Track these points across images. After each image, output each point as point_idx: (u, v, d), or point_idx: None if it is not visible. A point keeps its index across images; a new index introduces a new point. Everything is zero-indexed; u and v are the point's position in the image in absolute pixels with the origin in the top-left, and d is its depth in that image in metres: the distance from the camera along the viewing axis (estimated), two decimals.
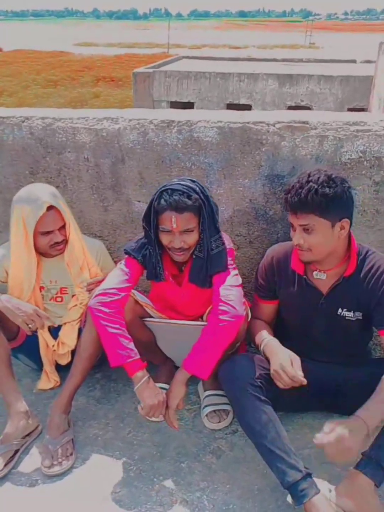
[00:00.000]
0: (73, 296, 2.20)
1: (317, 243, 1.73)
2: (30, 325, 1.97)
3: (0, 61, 32.22)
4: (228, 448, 1.99)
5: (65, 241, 2.13)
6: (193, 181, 1.86)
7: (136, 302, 2.08)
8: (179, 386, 1.84)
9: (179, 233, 1.83)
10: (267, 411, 1.72)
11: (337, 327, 1.89)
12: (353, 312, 1.86)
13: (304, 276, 1.88)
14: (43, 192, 2.04)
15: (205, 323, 1.99)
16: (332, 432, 1.57)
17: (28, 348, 2.21)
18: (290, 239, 2.01)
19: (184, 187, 1.80)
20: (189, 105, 11.53)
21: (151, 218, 1.85)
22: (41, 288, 2.20)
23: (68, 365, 2.12)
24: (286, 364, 1.74)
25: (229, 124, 2.14)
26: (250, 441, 1.97)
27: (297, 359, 1.78)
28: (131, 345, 1.85)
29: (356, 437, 1.56)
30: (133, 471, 1.89)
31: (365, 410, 1.61)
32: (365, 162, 2.09)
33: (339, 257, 1.82)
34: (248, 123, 2.14)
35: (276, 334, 1.94)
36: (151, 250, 1.94)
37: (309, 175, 1.69)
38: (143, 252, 1.96)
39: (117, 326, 1.84)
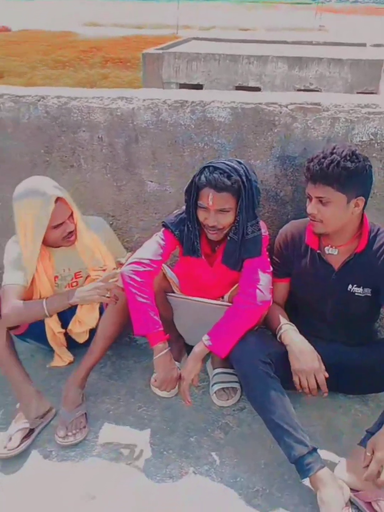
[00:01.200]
0: (87, 277, 2.22)
1: (330, 216, 1.76)
2: (107, 295, 1.94)
3: (8, 41, 31.97)
4: (236, 424, 2.04)
5: (74, 230, 2.11)
6: (240, 163, 1.85)
7: (164, 276, 2.13)
8: (196, 360, 1.89)
9: (215, 211, 1.84)
10: (276, 388, 1.76)
11: (346, 303, 1.93)
12: (363, 288, 1.89)
13: (318, 251, 1.92)
14: (46, 184, 2.01)
15: (227, 303, 2.03)
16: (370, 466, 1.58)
17: (34, 332, 2.22)
18: (302, 217, 2.04)
19: (227, 166, 1.80)
20: (198, 87, 11.44)
21: (192, 193, 1.88)
22: (56, 277, 2.19)
23: (85, 343, 2.16)
24: (319, 368, 1.79)
25: (242, 104, 2.15)
26: (257, 418, 2.02)
27: (320, 360, 1.82)
28: (157, 317, 1.90)
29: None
30: (143, 445, 1.95)
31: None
32: (375, 145, 2.10)
33: (350, 234, 1.86)
34: (260, 104, 2.14)
35: (294, 320, 1.98)
36: (189, 226, 1.96)
37: (334, 148, 1.71)
38: (180, 227, 1.99)
39: (146, 296, 1.89)
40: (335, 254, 1.90)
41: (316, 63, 11.40)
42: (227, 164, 1.81)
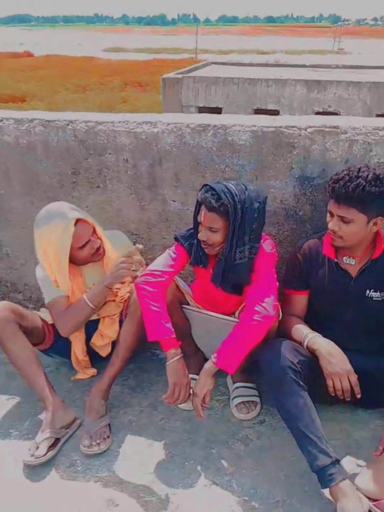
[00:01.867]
0: (116, 290, 2.29)
1: (351, 233, 1.87)
2: (134, 269, 2.03)
3: (31, 66, 32.93)
4: (255, 436, 2.09)
5: (101, 245, 2.20)
6: (245, 189, 1.93)
7: (178, 287, 2.21)
8: (206, 377, 1.94)
9: (205, 228, 1.96)
10: (304, 396, 1.80)
11: (365, 309, 2.00)
12: (380, 292, 1.98)
13: (336, 261, 2.01)
14: (63, 208, 2.11)
15: (236, 320, 2.10)
16: None
17: (60, 349, 2.32)
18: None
19: (221, 188, 1.89)
20: (217, 110, 11.64)
21: (196, 207, 2.00)
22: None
23: (108, 357, 2.24)
24: (351, 369, 1.83)
25: (262, 128, 2.24)
26: (277, 431, 2.09)
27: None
28: (169, 324, 1.98)
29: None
30: (165, 455, 2.00)
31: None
32: None
33: (367, 245, 1.97)
34: (280, 127, 2.23)
35: (311, 326, 2.03)
36: (196, 237, 2.05)
37: (359, 170, 1.81)
38: (190, 240, 2.09)
39: (158, 304, 1.98)
40: (353, 264, 2.00)
41: (335, 85, 11.53)
42: (222, 186, 1.90)
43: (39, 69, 30.74)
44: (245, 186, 1.95)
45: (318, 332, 2.00)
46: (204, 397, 1.94)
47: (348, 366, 1.84)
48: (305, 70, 14.76)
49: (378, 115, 10.69)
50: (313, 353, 1.92)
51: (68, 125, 2.44)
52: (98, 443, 1.99)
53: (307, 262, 2.07)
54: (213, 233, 1.95)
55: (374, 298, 1.99)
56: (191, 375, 2.27)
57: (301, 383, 1.82)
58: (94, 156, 2.45)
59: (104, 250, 2.23)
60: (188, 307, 2.24)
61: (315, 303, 2.11)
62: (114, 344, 2.28)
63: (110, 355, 2.25)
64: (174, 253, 2.10)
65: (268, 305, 1.94)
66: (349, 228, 1.86)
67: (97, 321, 2.32)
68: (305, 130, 2.22)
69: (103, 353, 2.31)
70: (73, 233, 2.08)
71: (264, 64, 17.42)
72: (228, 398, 2.28)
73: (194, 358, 2.38)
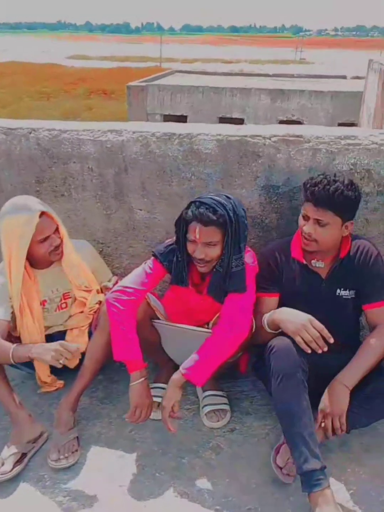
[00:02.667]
0: (75, 299, 2.27)
1: (325, 237, 1.92)
2: (60, 361, 1.91)
3: None
4: (226, 445, 2.08)
5: (61, 244, 2.15)
6: (228, 198, 1.92)
7: (148, 304, 2.18)
8: (174, 389, 1.93)
9: (202, 244, 1.90)
10: (306, 399, 1.81)
11: (336, 307, 2.04)
12: (348, 290, 2.03)
13: (306, 263, 2.03)
14: (30, 201, 2.07)
15: (208, 331, 2.08)
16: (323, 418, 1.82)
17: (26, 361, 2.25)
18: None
19: (214, 201, 1.86)
20: (182, 118, 11.70)
21: (181, 226, 1.94)
22: (44, 302, 2.23)
23: (76, 368, 2.20)
24: (313, 319, 1.83)
25: (228, 137, 2.26)
26: (248, 439, 2.10)
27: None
28: (136, 345, 1.96)
29: (342, 403, 1.84)
30: (136, 467, 1.98)
31: (346, 372, 1.89)
32: (356, 174, 2.22)
33: (335, 249, 2.02)
34: (245, 136, 2.26)
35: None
36: (178, 256, 2.01)
37: (335, 175, 1.90)
38: (169, 257, 2.04)
39: (127, 324, 1.96)
40: (322, 266, 2.04)
41: (298, 95, 11.76)
42: (214, 199, 1.88)
43: (1, 75, 30.24)
44: (226, 195, 1.93)
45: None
46: (172, 408, 1.92)
47: (306, 316, 1.84)
48: (268, 79, 14.99)
49: (340, 124, 10.93)
50: (276, 327, 1.93)
51: (30, 133, 2.41)
52: (66, 457, 1.95)
53: (276, 264, 2.08)
54: (211, 248, 1.90)
55: (344, 297, 2.04)
56: (161, 385, 2.29)
57: (306, 384, 1.82)
58: (58, 165, 2.42)
59: (62, 252, 2.17)
60: (158, 321, 2.21)
61: (287, 304, 2.09)
62: (82, 355, 2.23)
63: (78, 366, 2.21)
64: (150, 269, 2.05)
65: (243, 322, 1.96)
66: (325, 231, 1.90)
67: (63, 333, 2.28)
68: (270, 139, 2.25)
69: (72, 365, 2.27)
70: (36, 225, 2.02)
71: (228, 73, 17.61)
72: (197, 407, 2.27)
73: (166, 368, 2.37)
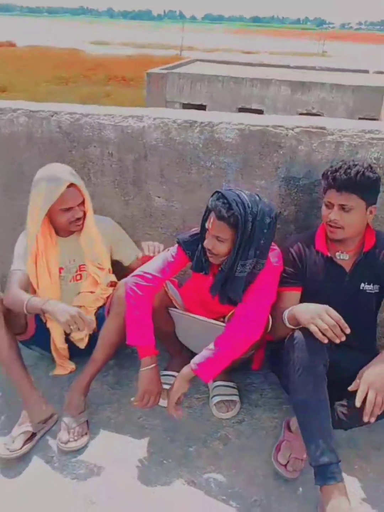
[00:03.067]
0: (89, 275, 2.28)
1: (352, 222, 1.90)
2: (72, 327, 1.89)
3: (13, 56, 32.42)
4: (234, 436, 2.08)
5: (83, 217, 2.20)
6: (259, 200, 1.84)
7: (166, 293, 2.17)
8: (183, 382, 1.92)
9: (212, 236, 1.87)
10: (325, 392, 1.79)
11: (358, 302, 2.02)
12: (372, 285, 2.01)
13: (330, 256, 2.02)
14: (62, 171, 2.13)
15: (224, 324, 2.06)
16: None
17: (40, 340, 2.29)
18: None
19: (235, 198, 1.79)
20: (201, 108, 11.63)
21: (205, 213, 1.92)
22: (61, 269, 2.27)
23: (86, 349, 2.22)
24: (329, 308, 1.78)
25: (250, 126, 2.24)
26: (256, 431, 2.10)
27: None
28: (150, 331, 1.96)
29: None
30: (143, 453, 1.98)
31: None
32: (378, 169, 2.18)
33: (359, 239, 2.00)
34: (267, 126, 2.23)
35: None
36: (201, 243, 1.97)
37: (353, 160, 1.88)
38: (194, 247, 2.01)
39: (143, 310, 1.96)
40: (346, 259, 2.01)
41: (319, 87, 11.63)
42: (238, 196, 1.80)
43: (21, 59, 30.28)
44: (258, 197, 1.84)
45: None
46: (178, 399, 1.92)
47: (321, 306, 1.80)
48: (289, 71, 14.84)
49: (360, 118, 10.80)
50: (296, 322, 1.87)
51: (52, 116, 2.41)
52: (76, 440, 1.97)
53: (300, 258, 2.06)
54: (219, 243, 1.86)
55: (367, 291, 2.02)
56: (173, 373, 2.29)
57: (325, 378, 1.80)
58: (78, 149, 2.42)
59: (83, 225, 2.22)
60: (175, 310, 2.21)
61: (308, 299, 2.04)
62: (92, 337, 2.26)
63: (88, 347, 2.23)
64: (173, 256, 2.04)
65: (257, 325, 1.93)
66: (351, 216, 1.88)
67: None
68: (292, 130, 2.22)
69: (82, 345, 2.28)
70: (61, 193, 2.08)
71: (249, 63, 17.45)
72: (207, 396, 2.27)
73: (178, 357, 2.37)
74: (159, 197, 2.43)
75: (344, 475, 1.71)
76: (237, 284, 1.91)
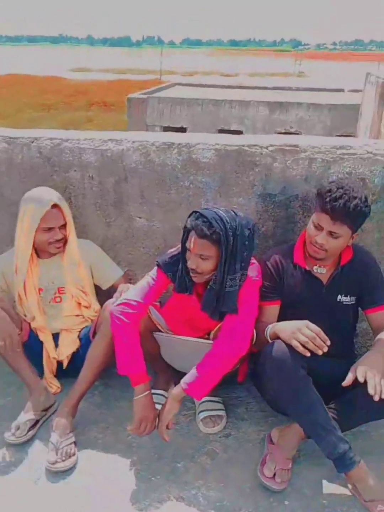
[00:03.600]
0: (72, 296, 2.36)
1: (336, 247, 1.97)
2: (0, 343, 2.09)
3: None
4: (222, 450, 2.10)
5: (64, 240, 2.31)
6: (236, 215, 1.88)
7: (149, 317, 2.20)
8: (174, 403, 1.95)
9: (195, 255, 1.89)
10: (315, 390, 1.85)
11: (336, 313, 2.08)
12: (349, 297, 2.08)
13: (308, 269, 2.07)
14: (49, 193, 2.27)
15: (208, 342, 2.10)
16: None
17: (29, 351, 2.30)
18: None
19: (215, 216, 1.83)
20: (181, 130, 11.79)
21: (183, 233, 1.95)
22: (40, 290, 2.35)
23: (71, 372, 2.25)
24: (309, 323, 1.84)
25: (226, 146, 2.31)
26: (243, 444, 2.12)
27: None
28: (141, 358, 1.98)
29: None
30: (132, 471, 1.99)
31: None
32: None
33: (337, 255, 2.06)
34: (243, 146, 2.30)
35: None
36: (182, 263, 2.00)
37: (353, 189, 1.88)
38: (174, 268, 2.03)
39: (132, 338, 1.98)
40: (324, 272, 2.08)
41: (296, 107, 11.88)
42: (217, 214, 1.84)
43: (1, 87, 30.42)
44: (235, 213, 1.89)
45: None
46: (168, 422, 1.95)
47: (301, 322, 1.86)
48: (267, 92, 15.13)
49: (337, 136, 11.02)
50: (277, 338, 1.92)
51: (32, 142, 2.45)
52: (63, 460, 1.97)
53: (278, 272, 2.11)
54: (203, 261, 1.89)
55: (344, 302, 2.09)
56: (159, 391, 2.32)
57: (310, 378, 1.85)
58: (59, 173, 2.47)
59: (64, 247, 2.33)
60: (160, 334, 2.24)
61: (287, 311, 2.12)
62: (74, 357, 2.33)
63: (72, 369, 2.28)
64: (154, 280, 2.05)
65: (243, 338, 1.96)
66: (337, 242, 1.95)
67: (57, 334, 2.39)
68: (267, 149, 2.29)
69: (64, 364, 2.35)
70: (44, 213, 2.21)
71: (228, 85, 17.77)
72: (194, 413, 2.29)
73: (163, 375, 2.40)
74: (140, 217, 2.48)
75: (338, 480, 1.80)
76: (230, 299, 1.95)
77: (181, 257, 2.00)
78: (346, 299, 2.09)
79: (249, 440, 2.15)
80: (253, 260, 2.04)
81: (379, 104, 7.13)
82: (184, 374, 1.99)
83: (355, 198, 1.86)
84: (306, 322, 1.85)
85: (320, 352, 1.80)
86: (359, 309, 2.16)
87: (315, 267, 2.09)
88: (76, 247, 2.34)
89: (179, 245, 2.03)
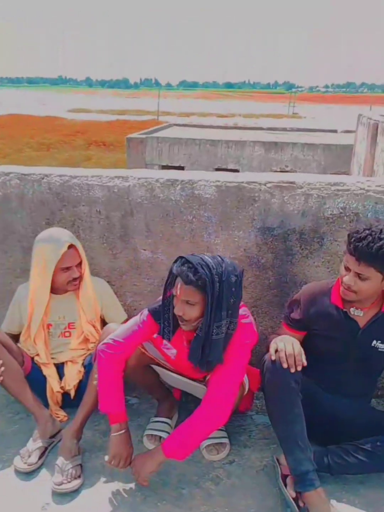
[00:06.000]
0: (82, 332, 2.43)
1: (365, 290, 1.95)
2: None
3: None
4: (226, 476, 2.15)
5: (80, 278, 2.40)
6: (222, 261, 1.87)
7: (143, 353, 2.21)
8: (153, 464, 1.98)
9: (181, 301, 1.88)
10: (300, 406, 1.93)
11: (368, 358, 2.10)
12: None
13: (345, 310, 2.08)
14: (63, 233, 2.37)
15: (204, 387, 2.13)
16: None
17: (34, 381, 2.37)
18: (281, 282, 2.26)
19: (201, 262, 1.83)
20: (179, 169, 12.07)
21: (168, 279, 1.94)
22: (49, 325, 2.43)
23: (76, 399, 2.31)
24: (296, 341, 1.95)
25: (226, 183, 2.44)
26: (246, 470, 2.17)
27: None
28: (120, 399, 2.05)
29: None
30: (138, 497, 2.03)
31: None
32: (345, 217, 2.39)
33: (376, 298, 2.06)
34: (242, 182, 2.44)
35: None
36: (166, 309, 2.00)
37: (381, 232, 1.86)
38: (161, 318, 2.03)
39: (113, 376, 2.04)
40: (361, 315, 2.07)
41: (291, 147, 12.21)
42: (202, 260, 1.84)
43: (1, 127, 31.01)
44: (221, 258, 1.89)
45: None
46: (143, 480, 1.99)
47: (289, 338, 1.98)
48: (262, 133, 15.54)
49: (332, 174, 11.28)
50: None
51: (43, 178, 2.58)
52: (69, 481, 2.03)
53: (310, 307, 2.13)
54: (190, 307, 1.88)
55: (379, 349, 2.08)
56: (162, 419, 2.37)
57: (299, 395, 1.92)
58: (68, 208, 2.58)
59: (79, 284, 2.42)
60: (157, 367, 2.28)
61: (319, 345, 2.14)
62: (80, 387, 2.39)
63: (78, 395, 2.34)
64: (142, 324, 2.07)
65: (224, 407, 1.96)
66: (365, 284, 1.92)
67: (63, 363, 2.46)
68: (265, 185, 2.43)
69: (72, 394, 2.40)
70: (62, 253, 2.30)
71: (224, 126, 18.24)
72: None
73: (166, 402, 2.45)
74: (145, 249, 2.59)
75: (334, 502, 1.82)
76: (215, 347, 1.92)
77: (164, 301, 2.00)
78: (382, 346, 2.08)
79: (252, 466, 2.20)
80: (246, 313, 2.03)
81: (371, 144, 7.38)
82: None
83: (380, 239, 1.83)
84: (294, 340, 1.97)
85: (292, 370, 1.89)
86: None
87: (352, 309, 2.07)
88: (91, 284, 2.45)
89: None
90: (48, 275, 2.33)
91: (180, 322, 1.96)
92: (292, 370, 1.88)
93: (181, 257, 1.88)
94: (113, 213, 2.55)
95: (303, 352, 1.93)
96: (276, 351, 1.94)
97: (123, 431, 2.04)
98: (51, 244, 2.32)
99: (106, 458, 2.08)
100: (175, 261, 1.89)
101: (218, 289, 1.83)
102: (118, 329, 2.12)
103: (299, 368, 1.90)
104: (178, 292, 1.87)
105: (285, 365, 1.89)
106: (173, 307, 1.94)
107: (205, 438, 2.03)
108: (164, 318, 2.01)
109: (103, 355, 2.05)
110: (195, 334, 1.95)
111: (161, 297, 2.04)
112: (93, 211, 2.57)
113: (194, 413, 1.98)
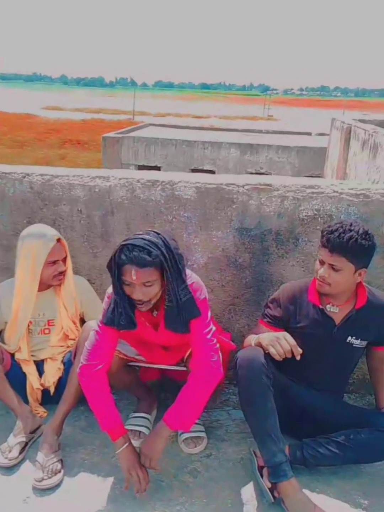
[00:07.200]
0: (62, 329, 2.47)
1: (338, 281, 2.05)
2: None
3: None
4: (203, 469, 2.21)
5: (64, 272, 2.44)
6: (157, 234, 1.91)
7: (118, 357, 2.24)
8: (163, 441, 2.02)
9: (140, 285, 1.88)
10: (272, 401, 2.00)
11: (343, 353, 2.20)
12: (360, 340, 2.18)
13: (321, 307, 2.18)
14: (49, 228, 2.41)
15: (185, 369, 2.22)
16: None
17: (12, 379, 2.38)
18: (258, 281, 2.34)
19: (146, 242, 1.85)
20: (156, 169, 12.11)
21: (114, 270, 1.90)
22: (30, 322, 2.45)
23: (56, 396, 2.36)
24: (287, 335, 2.01)
25: (206, 184, 2.51)
26: (223, 463, 2.24)
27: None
28: (115, 413, 2.06)
29: None
30: (118, 489, 2.08)
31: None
32: (319, 219, 2.48)
33: (349, 295, 2.16)
34: (221, 184, 2.51)
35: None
36: (118, 301, 1.97)
37: (351, 224, 1.99)
38: (116, 317, 2.00)
39: (103, 394, 2.06)
40: (336, 311, 2.17)
41: (266, 149, 12.39)
42: (145, 240, 1.85)
43: None
44: (154, 231, 1.92)
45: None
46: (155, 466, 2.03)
47: (279, 333, 2.05)
48: (238, 134, 15.69)
49: (306, 176, 11.49)
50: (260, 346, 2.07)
51: (24, 177, 2.61)
52: (50, 477, 2.06)
53: (290, 305, 2.21)
54: (149, 288, 1.90)
55: (354, 345, 2.18)
56: (142, 415, 2.42)
57: (271, 388, 2.00)
58: (49, 207, 2.61)
59: (64, 279, 2.45)
60: (134, 364, 2.34)
61: (298, 342, 2.14)
62: (60, 383, 2.43)
63: (58, 392, 2.38)
64: (100, 338, 2.05)
65: (215, 360, 2.03)
66: (338, 276, 2.03)
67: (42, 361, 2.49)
68: (243, 187, 2.50)
69: (51, 391, 2.43)
70: (51, 248, 2.35)
71: (200, 127, 18.35)
72: (176, 434, 2.39)
73: (145, 400, 2.50)
74: None
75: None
76: (190, 305, 1.98)
77: (116, 294, 1.97)
78: (356, 342, 2.17)
79: (229, 459, 2.27)
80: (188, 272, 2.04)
81: (344, 148, 7.55)
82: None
83: (350, 231, 1.96)
84: (285, 334, 2.03)
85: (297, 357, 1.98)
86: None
87: (328, 306, 2.17)
88: (72, 280, 2.49)
89: (106, 299, 2.06)
90: (37, 269, 2.35)
91: (139, 307, 1.97)
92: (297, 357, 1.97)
93: (125, 245, 1.86)
94: (94, 212, 2.59)
95: (294, 341, 1.99)
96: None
97: (127, 443, 2.04)
98: (40, 238, 2.34)
99: (124, 488, 2.02)
100: (121, 251, 1.86)
101: (171, 258, 1.88)
102: (85, 351, 2.08)
103: (298, 358, 1.97)
104: (134, 278, 1.85)
105: (279, 359, 1.98)
106: (126, 297, 1.95)
107: (206, 400, 2.03)
108: (124, 312, 1.99)
109: (84, 378, 2.06)
110: (165, 306, 1.99)
111: (105, 302, 2.07)
112: (74, 210, 2.61)
113: (189, 378, 2.03)
